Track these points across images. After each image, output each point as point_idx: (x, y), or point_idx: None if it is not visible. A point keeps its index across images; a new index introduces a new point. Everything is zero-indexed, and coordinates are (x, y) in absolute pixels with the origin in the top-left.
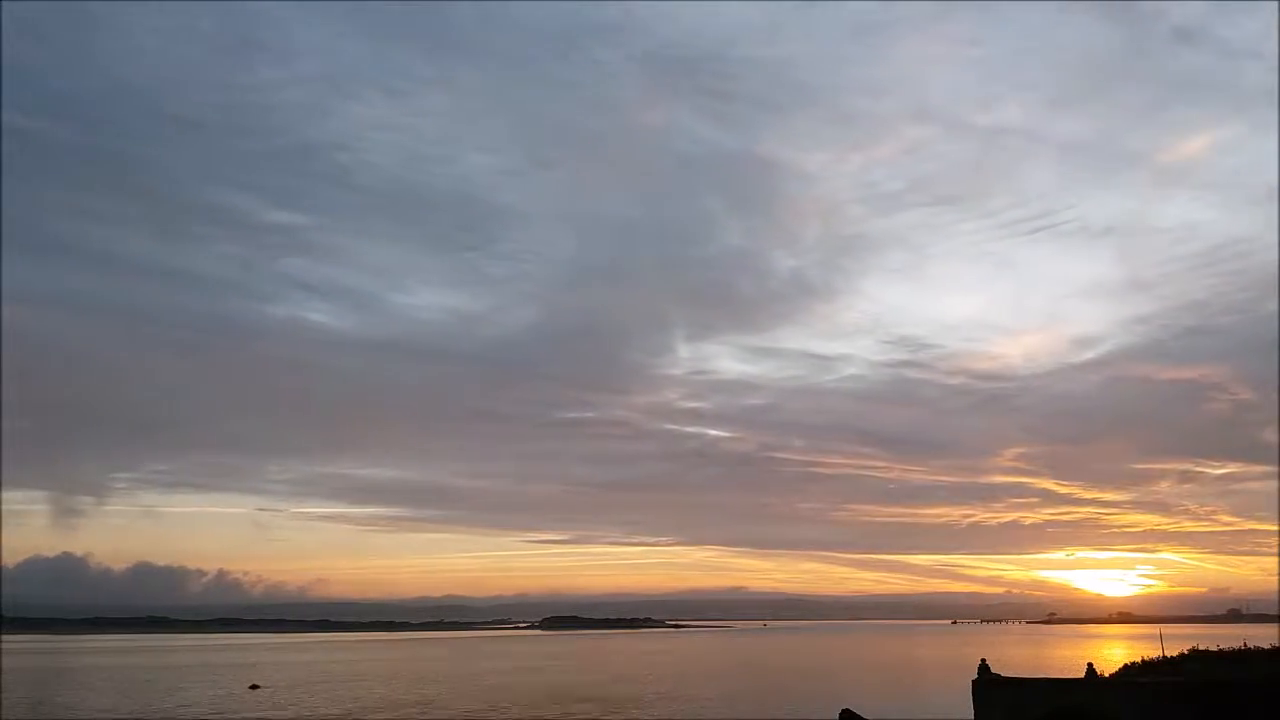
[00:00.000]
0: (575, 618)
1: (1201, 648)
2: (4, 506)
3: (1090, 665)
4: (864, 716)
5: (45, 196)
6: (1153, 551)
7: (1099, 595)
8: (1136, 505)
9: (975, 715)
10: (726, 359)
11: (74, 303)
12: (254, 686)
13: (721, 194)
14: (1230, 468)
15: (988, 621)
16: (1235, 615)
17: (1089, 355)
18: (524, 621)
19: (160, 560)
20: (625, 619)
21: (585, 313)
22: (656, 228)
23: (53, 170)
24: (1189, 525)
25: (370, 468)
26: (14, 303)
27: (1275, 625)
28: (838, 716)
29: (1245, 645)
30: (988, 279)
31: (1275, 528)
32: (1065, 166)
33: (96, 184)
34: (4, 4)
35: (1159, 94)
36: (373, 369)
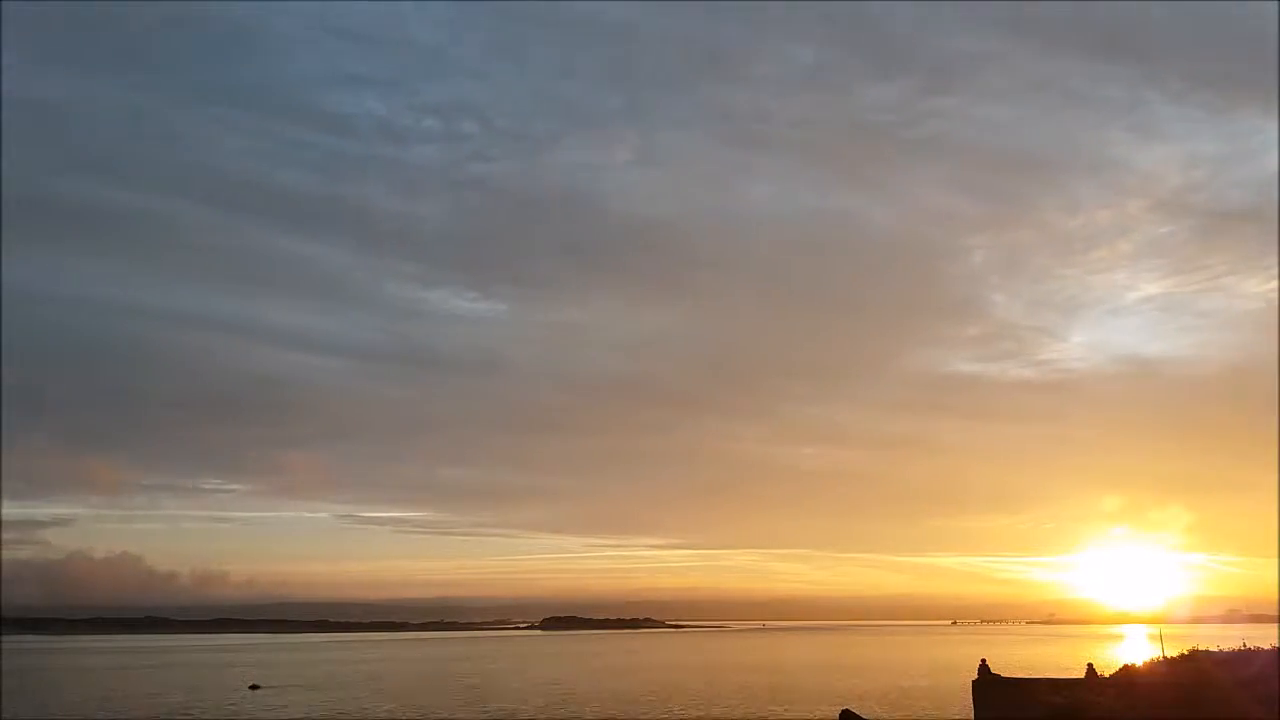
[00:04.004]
0: (575, 618)
1: (1201, 648)
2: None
3: (1090, 665)
4: (864, 717)
5: (361, 259)
6: (1187, 552)
7: (1122, 598)
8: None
9: (975, 715)
10: (839, 393)
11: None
12: (254, 686)
13: (895, 270)
14: None
15: (988, 621)
16: (1233, 615)
17: (1209, 378)
18: (524, 622)
19: (220, 564)
20: (626, 619)
21: (734, 354)
22: (823, 292)
23: (379, 236)
24: (1233, 525)
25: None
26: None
27: (1275, 625)
28: (838, 717)
29: (1245, 645)
30: (1153, 321)
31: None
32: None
33: (405, 249)
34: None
35: None
36: (535, 394)
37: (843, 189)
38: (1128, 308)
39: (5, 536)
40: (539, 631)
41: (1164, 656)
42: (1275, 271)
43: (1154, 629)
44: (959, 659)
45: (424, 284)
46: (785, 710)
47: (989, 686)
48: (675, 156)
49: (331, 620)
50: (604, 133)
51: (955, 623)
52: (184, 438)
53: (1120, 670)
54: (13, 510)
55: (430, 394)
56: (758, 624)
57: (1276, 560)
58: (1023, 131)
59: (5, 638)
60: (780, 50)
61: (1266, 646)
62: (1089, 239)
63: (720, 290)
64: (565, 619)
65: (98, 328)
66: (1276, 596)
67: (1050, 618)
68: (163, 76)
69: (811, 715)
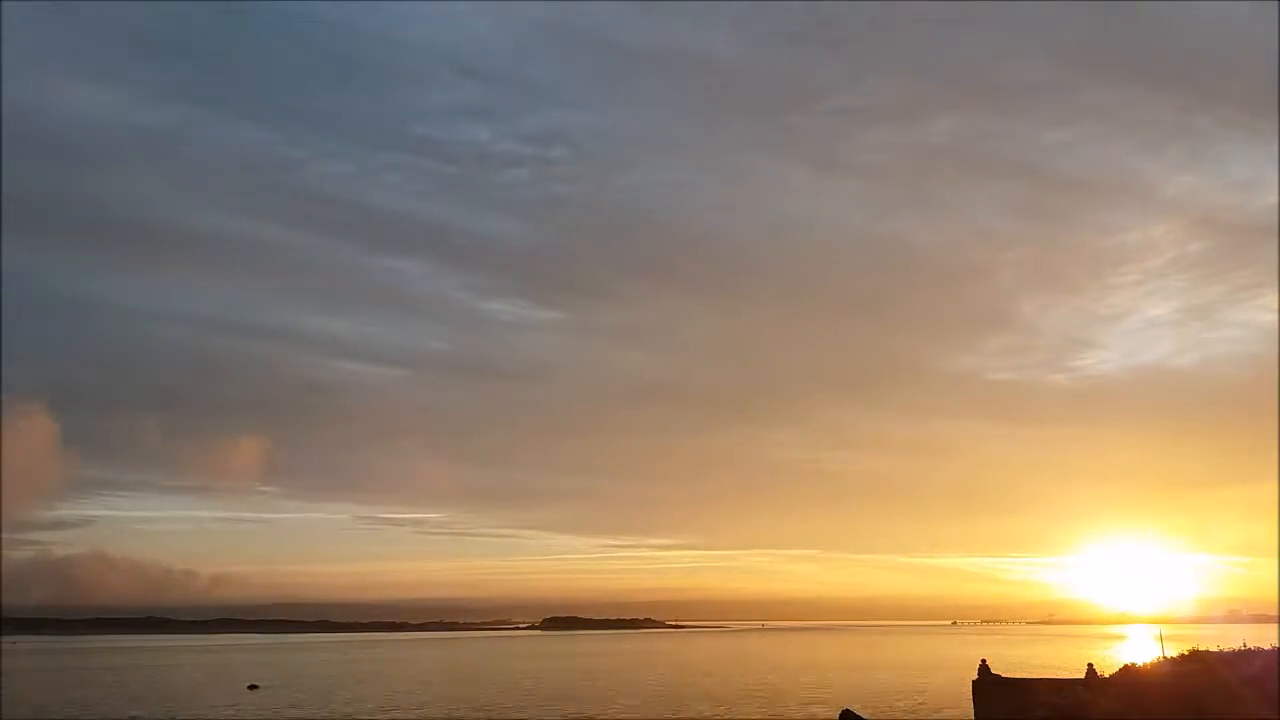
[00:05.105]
0: (575, 618)
1: (1202, 648)
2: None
3: (1091, 665)
4: (864, 717)
5: (437, 274)
6: (1191, 553)
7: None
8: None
9: (975, 715)
10: (868, 400)
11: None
12: (253, 686)
13: (931, 282)
14: None
15: (988, 622)
16: (1235, 615)
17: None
18: (524, 622)
19: (235, 565)
20: (626, 619)
21: (768, 362)
22: (861, 303)
23: (456, 252)
24: (1239, 526)
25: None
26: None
27: (1276, 625)
28: (838, 717)
29: (1245, 645)
30: (1175, 333)
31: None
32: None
33: (479, 264)
34: None
35: None
36: (572, 398)
37: (896, 208)
38: (1154, 319)
39: (32, 536)
40: (539, 631)
41: (1165, 656)
42: None
43: (1155, 629)
44: (959, 659)
45: (488, 294)
46: (785, 710)
47: (989, 686)
48: (743, 178)
49: (333, 620)
50: (682, 157)
51: (955, 623)
52: (225, 442)
53: (1121, 670)
54: (37, 511)
55: (473, 399)
56: (756, 624)
57: (1278, 561)
58: (1073, 155)
59: (5, 638)
60: (859, 82)
61: (1267, 646)
62: (1121, 254)
63: (760, 300)
64: (566, 619)
65: (160, 341)
66: (1278, 597)
67: (1050, 618)
68: (273, 107)
69: (811, 715)
